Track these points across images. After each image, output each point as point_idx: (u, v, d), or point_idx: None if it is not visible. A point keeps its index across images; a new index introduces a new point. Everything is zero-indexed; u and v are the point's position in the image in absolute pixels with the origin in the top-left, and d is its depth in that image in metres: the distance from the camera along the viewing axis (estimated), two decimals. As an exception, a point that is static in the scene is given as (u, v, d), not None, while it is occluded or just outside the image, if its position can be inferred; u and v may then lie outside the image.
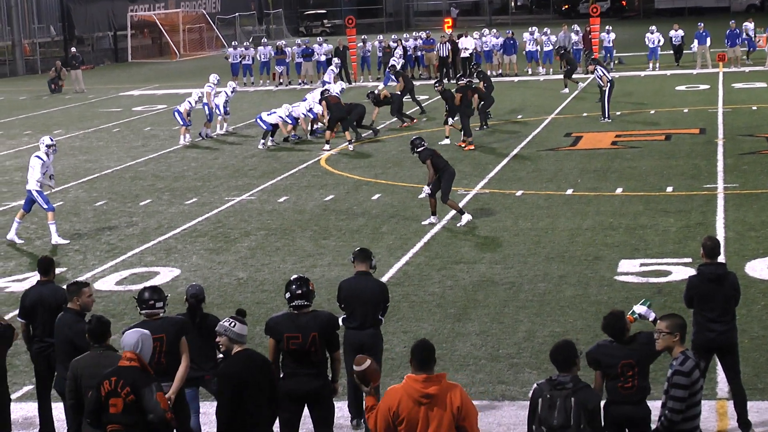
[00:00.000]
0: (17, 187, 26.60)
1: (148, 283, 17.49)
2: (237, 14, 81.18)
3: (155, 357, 10.35)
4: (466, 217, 20.73)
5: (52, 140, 21.41)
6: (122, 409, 8.88)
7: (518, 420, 11.76)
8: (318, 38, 55.27)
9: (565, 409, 8.62)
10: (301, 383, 10.42)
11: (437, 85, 31.26)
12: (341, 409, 11.62)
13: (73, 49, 55.55)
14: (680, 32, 47.80)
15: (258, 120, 32.00)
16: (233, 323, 9.58)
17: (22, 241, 21.24)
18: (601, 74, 33.05)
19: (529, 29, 49.63)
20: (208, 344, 11.11)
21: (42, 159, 21.05)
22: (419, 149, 20.64)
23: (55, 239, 20.91)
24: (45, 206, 21.01)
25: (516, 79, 47.29)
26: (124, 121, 39.66)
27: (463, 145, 29.35)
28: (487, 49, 49.26)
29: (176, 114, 33.40)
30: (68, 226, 22.34)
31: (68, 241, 21.02)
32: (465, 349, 14.18)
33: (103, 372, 9.17)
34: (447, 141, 29.84)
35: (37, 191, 20.95)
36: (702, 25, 47.23)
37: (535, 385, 8.94)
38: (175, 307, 14.89)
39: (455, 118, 30.13)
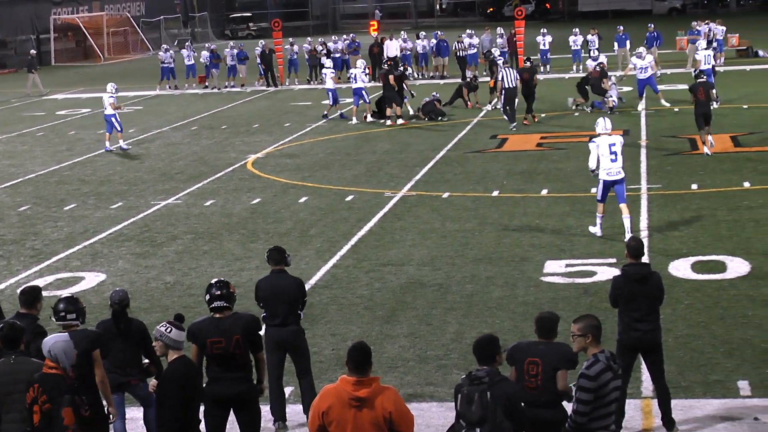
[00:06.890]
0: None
1: (70, 291, 17.33)
2: (162, 17, 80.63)
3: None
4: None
5: None
6: (41, 417, 8.76)
7: (447, 421, 11.76)
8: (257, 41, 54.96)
9: (482, 404, 8.61)
10: (227, 387, 10.38)
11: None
12: (264, 412, 11.55)
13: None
14: (596, 37, 45.78)
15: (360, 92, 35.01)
16: (169, 329, 9.41)
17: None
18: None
19: (467, 31, 49.65)
20: (133, 349, 11.01)
21: None
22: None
23: None
24: None
25: (442, 81, 47.41)
26: (49, 125, 39.21)
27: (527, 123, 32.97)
28: (422, 51, 49.49)
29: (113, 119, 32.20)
30: (-9, 232, 22.07)
31: None
32: (393, 351, 14.20)
33: (16, 378, 9.03)
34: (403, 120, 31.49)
35: None
36: (622, 27, 47.40)
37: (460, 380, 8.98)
38: (101, 313, 14.81)
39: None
